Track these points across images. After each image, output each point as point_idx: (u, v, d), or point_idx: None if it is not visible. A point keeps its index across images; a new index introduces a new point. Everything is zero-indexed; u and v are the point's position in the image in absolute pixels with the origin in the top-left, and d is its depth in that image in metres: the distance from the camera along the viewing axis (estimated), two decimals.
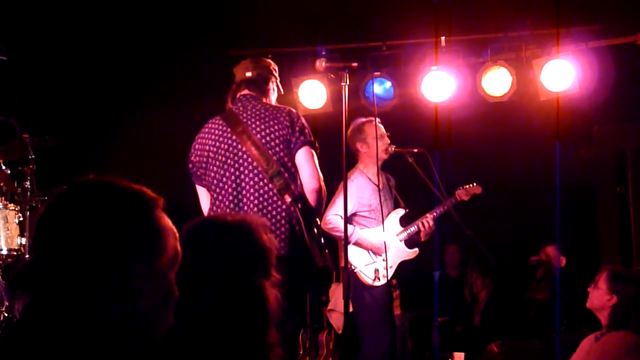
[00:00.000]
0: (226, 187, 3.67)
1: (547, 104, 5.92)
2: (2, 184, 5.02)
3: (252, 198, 3.61)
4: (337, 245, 5.22)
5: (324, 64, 4.17)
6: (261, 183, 3.63)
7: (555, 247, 6.79)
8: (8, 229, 4.87)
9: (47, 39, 6.15)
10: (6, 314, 4.68)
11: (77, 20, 5.97)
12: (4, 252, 4.85)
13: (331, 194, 5.24)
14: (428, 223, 5.33)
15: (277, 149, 3.66)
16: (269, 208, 3.59)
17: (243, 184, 3.65)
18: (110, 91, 6.43)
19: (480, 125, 6.44)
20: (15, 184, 5.07)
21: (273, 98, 4.00)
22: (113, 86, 6.41)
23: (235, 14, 5.81)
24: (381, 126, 5.21)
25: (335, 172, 5.47)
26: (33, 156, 5.08)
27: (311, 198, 3.65)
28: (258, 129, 3.70)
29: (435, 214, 5.38)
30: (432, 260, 7.53)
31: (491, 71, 5.98)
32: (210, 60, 6.07)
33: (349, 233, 4.94)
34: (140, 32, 6.09)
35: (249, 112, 3.76)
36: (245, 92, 3.89)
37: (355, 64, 4.22)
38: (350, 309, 5.29)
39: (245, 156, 3.67)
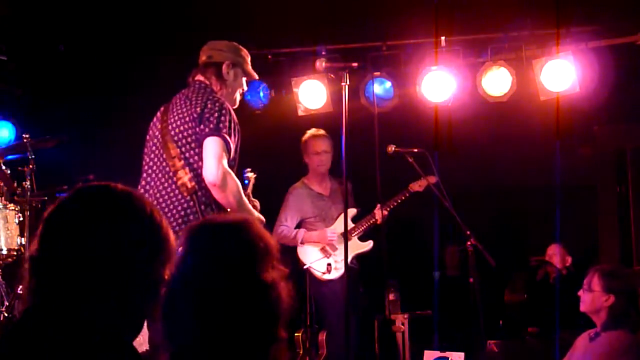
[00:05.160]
0: (143, 175, 3.72)
1: (547, 104, 5.91)
2: (2, 184, 5.02)
3: (153, 191, 3.61)
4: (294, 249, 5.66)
5: (324, 64, 4.18)
6: (166, 176, 3.61)
7: (560, 245, 6.79)
8: (8, 229, 4.87)
9: (46, 39, 6.14)
10: (6, 314, 4.68)
11: (76, 20, 5.96)
12: (4, 252, 4.85)
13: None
14: (377, 217, 5.60)
15: (184, 141, 3.60)
16: (168, 202, 3.55)
17: (153, 175, 3.67)
18: (110, 91, 6.43)
19: (480, 125, 6.44)
20: (15, 184, 5.07)
21: (236, 84, 3.85)
22: (112, 86, 6.40)
23: (235, 14, 5.81)
24: (322, 142, 5.67)
25: (331, 173, 5.54)
26: (33, 156, 5.08)
27: (213, 191, 3.52)
28: (173, 119, 3.67)
29: (388, 207, 5.67)
30: (432, 260, 7.53)
31: (491, 71, 5.98)
32: None
33: (297, 237, 5.61)
34: (140, 32, 6.09)
35: (178, 102, 3.72)
36: (197, 77, 3.83)
37: (355, 64, 4.22)
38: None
39: (160, 146, 3.67)
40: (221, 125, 3.54)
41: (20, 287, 4.78)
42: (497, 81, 5.98)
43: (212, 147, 3.51)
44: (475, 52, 6.18)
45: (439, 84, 6.03)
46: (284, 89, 6.41)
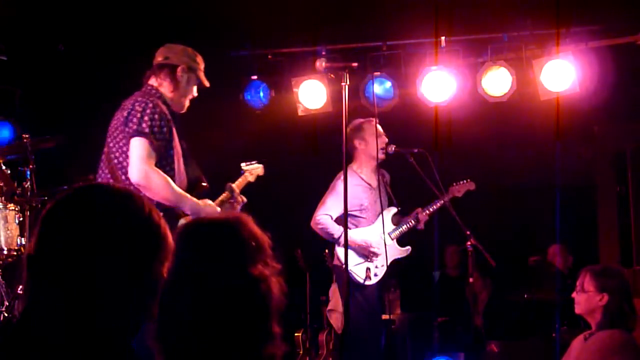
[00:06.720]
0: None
1: (547, 104, 5.91)
2: (2, 184, 5.02)
3: None
4: (331, 244, 5.31)
5: (324, 64, 4.17)
6: (106, 182, 3.63)
7: (561, 246, 6.80)
8: (8, 229, 4.87)
9: (46, 39, 6.14)
10: (6, 314, 4.68)
11: (76, 20, 5.96)
12: (4, 252, 4.85)
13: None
14: (421, 220, 5.37)
15: (117, 146, 3.63)
16: None
17: (101, 181, 3.67)
18: (110, 91, 6.42)
19: (480, 125, 6.44)
20: (15, 184, 5.07)
21: (188, 89, 3.84)
22: (112, 86, 6.40)
23: (235, 14, 5.81)
24: (379, 127, 5.24)
25: (330, 172, 5.52)
26: (33, 156, 5.08)
27: (142, 191, 3.42)
28: (111, 126, 3.70)
29: (429, 211, 5.41)
30: (432, 260, 7.53)
31: (491, 71, 5.98)
32: (210, 61, 6.05)
33: (337, 234, 5.15)
34: (140, 32, 6.08)
35: (118, 109, 3.73)
36: (150, 81, 3.83)
37: (355, 64, 4.21)
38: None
39: (104, 154, 3.70)
40: (144, 125, 3.55)
41: (20, 287, 4.79)
42: (497, 81, 5.98)
43: (133, 147, 3.55)
44: (475, 52, 6.19)
45: (439, 84, 6.03)
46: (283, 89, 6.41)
